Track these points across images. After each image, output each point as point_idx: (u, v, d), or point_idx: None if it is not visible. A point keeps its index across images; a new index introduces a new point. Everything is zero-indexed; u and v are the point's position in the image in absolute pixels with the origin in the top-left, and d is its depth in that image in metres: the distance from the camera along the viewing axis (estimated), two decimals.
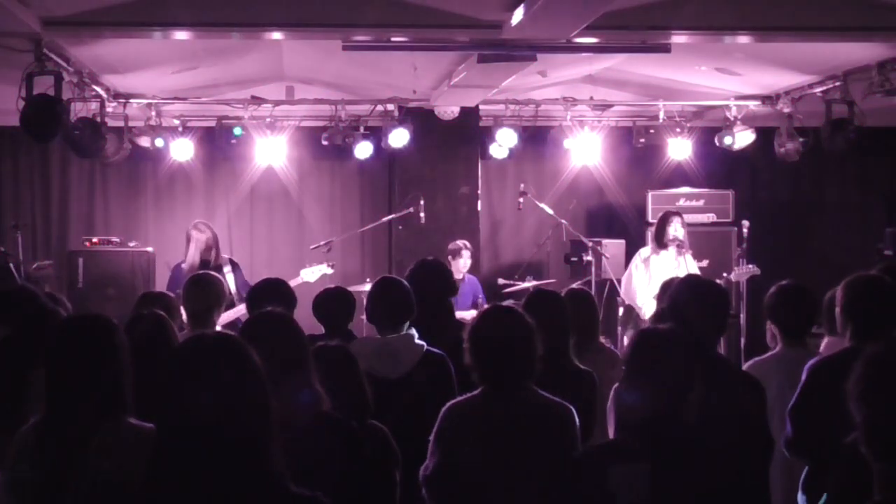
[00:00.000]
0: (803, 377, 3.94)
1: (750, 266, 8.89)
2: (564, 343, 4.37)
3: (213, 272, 6.14)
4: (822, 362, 3.91)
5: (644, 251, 8.67)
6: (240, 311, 7.02)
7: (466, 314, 8.03)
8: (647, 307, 7.88)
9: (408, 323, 4.62)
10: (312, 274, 8.06)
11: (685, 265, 8.25)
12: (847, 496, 2.64)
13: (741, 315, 9.14)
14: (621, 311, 8.78)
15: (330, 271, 8.20)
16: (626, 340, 8.05)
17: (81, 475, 2.86)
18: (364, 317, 8.81)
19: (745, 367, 4.57)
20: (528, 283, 8.94)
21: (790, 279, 4.64)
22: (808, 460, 3.97)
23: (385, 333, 4.60)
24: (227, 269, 7.82)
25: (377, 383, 3.82)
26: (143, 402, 2.97)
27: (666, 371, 3.16)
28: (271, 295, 4.92)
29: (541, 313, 3.71)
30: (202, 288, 5.32)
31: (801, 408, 3.89)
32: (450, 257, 8.79)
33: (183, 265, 7.93)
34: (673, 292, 4.04)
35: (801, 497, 3.97)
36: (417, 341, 4.53)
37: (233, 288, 7.62)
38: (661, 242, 8.44)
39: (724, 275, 8.70)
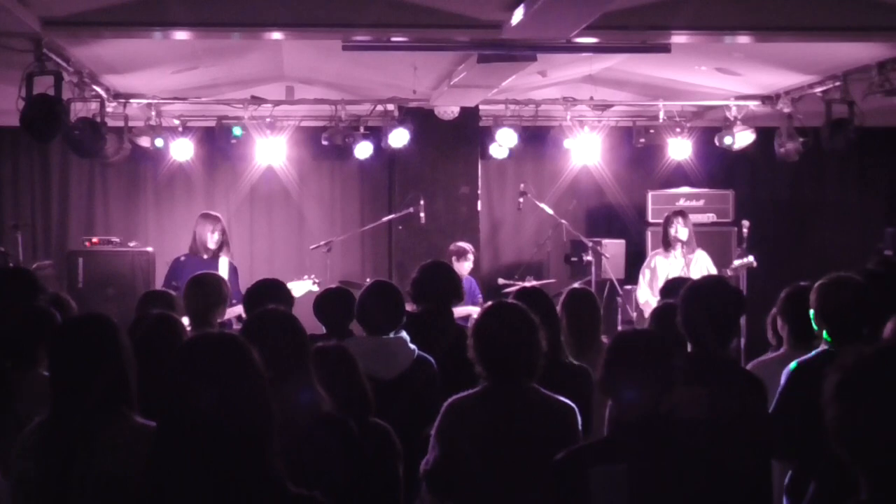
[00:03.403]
0: (782, 381, 3.95)
1: (748, 257, 8.85)
2: (556, 339, 4.38)
3: (213, 272, 6.12)
4: (800, 365, 3.92)
5: (651, 255, 8.71)
6: (234, 311, 7.01)
7: (470, 309, 8.05)
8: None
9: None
10: (298, 289, 8.00)
11: (696, 264, 8.26)
12: (830, 501, 2.64)
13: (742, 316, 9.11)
14: (635, 314, 8.80)
15: (315, 288, 8.11)
16: None
17: (86, 474, 2.86)
18: None
19: (748, 366, 4.57)
20: (528, 284, 8.93)
21: (806, 281, 4.63)
22: (792, 464, 3.98)
23: (375, 336, 4.60)
24: (222, 264, 7.78)
25: (372, 383, 3.83)
26: (149, 400, 2.97)
27: (642, 372, 3.15)
28: (269, 295, 4.92)
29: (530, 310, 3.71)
30: (202, 287, 5.32)
31: (782, 412, 3.90)
32: (454, 258, 8.77)
33: (182, 258, 7.89)
34: (681, 294, 4.04)
35: (785, 501, 3.98)
36: (410, 345, 4.54)
37: None
38: (665, 244, 8.48)
39: (723, 269, 8.70)
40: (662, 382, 3.15)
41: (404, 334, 4.57)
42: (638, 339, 3.33)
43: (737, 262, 8.91)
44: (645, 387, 3.12)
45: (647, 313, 8.05)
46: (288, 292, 5.33)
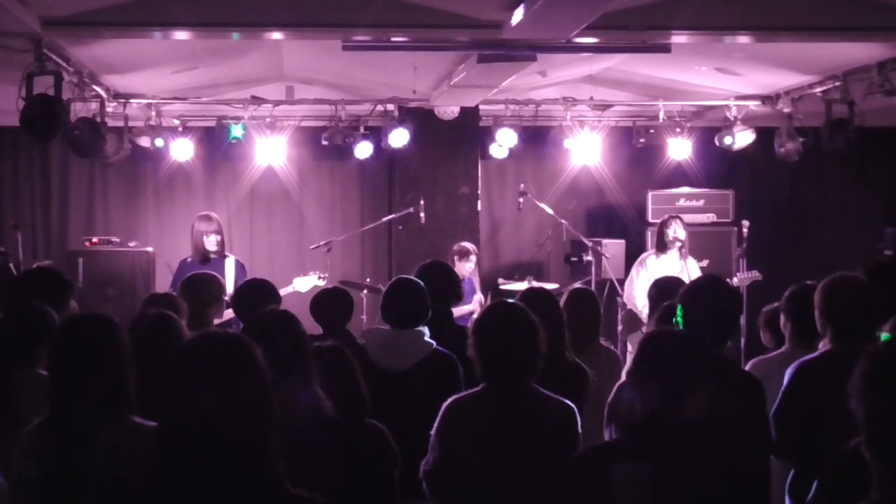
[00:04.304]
0: (785, 380, 3.95)
1: (753, 272, 8.92)
2: (559, 337, 4.38)
3: (210, 271, 6.08)
4: (804, 365, 3.92)
5: (644, 255, 8.71)
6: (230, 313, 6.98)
7: (467, 307, 8.04)
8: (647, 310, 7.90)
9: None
10: (304, 284, 7.98)
11: (688, 268, 8.27)
12: (833, 502, 2.64)
13: (741, 316, 9.10)
14: (622, 314, 8.78)
15: (322, 283, 8.05)
16: (629, 345, 8.07)
17: (86, 474, 2.87)
18: (363, 316, 8.83)
19: (749, 364, 4.58)
20: (528, 284, 8.92)
21: (810, 280, 4.63)
22: (794, 463, 3.98)
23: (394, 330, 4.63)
24: (229, 263, 7.73)
25: (381, 375, 3.82)
26: (149, 400, 2.97)
27: (669, 372, 3.17)
28: (257, 296, 4.91)
29: (534, 311, 3.72)
30: (197, 286, 5.34)
31: (785, 411, 3.90)
32: (456, 258, 8.75)
33: (189, 259, 7.86)
34: (681, 293, 4.05)
35: (787, 501, 3.98)
36: (427, 339, 4.55)
37: (230, 285, 7.51)
38: (662, 246, 8.49)
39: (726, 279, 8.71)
40: (688, 383, 3.17)
41: (423, 329, 4.59)
42: (668, 340, 3.34)
43: (741, 276, 8.93)
44: (671, 387, 3.14)
45: (643, 315, 8.05)
46: (276, 293, 5.32)
